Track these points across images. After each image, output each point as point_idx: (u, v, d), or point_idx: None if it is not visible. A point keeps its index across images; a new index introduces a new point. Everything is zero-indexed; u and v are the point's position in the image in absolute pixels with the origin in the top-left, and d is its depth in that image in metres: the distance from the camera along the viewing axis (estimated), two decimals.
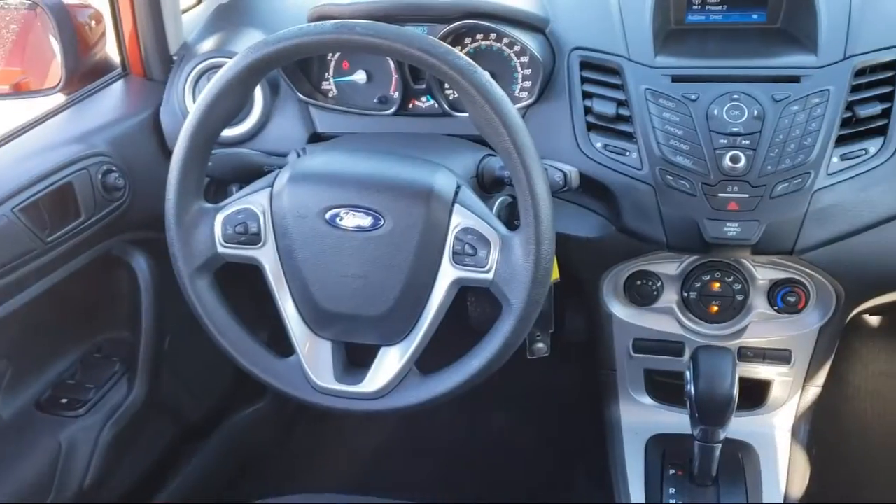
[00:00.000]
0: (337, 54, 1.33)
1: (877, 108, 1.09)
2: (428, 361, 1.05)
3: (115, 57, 1.46)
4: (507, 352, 0.99)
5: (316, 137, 1.32)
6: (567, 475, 1.81)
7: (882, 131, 1.09)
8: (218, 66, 1.32)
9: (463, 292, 1.03)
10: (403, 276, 0.99)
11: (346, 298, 1.01)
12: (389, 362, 1.03)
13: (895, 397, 2.04)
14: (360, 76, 1.31)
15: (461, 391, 1.01)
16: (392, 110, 1.29)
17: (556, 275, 1.21)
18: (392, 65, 1.30)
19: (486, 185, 1.13)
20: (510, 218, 1.16)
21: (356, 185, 0.99)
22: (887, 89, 1.10)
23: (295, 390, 1.06)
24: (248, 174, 1.15)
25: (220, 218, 1.04)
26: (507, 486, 1.83)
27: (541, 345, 1.37)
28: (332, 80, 1.34)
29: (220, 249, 1.04)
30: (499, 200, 1.15)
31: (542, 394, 1.97)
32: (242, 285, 1.17)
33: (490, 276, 0.97)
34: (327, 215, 0.99)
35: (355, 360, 1.08)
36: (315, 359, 1.05)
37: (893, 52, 1.10)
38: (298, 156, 1.15)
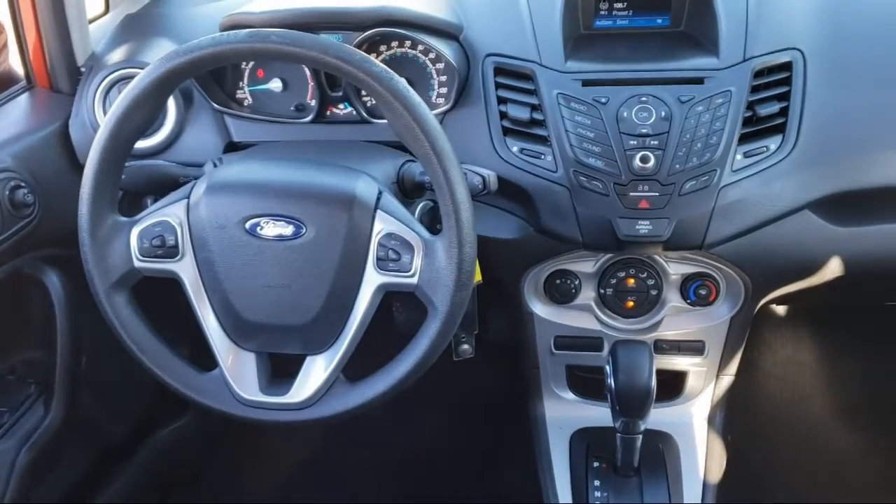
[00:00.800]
0: (251, 63, 1.32)
1: (775, 108, 1.14)
2: (355, 368, 1.05)
3: (18, 69, 1.41)
4: (434, 354, 1.00)
5: (232, 147, 1.31)
6: (495, 473, 1.83)
7: (780, 129, 1.14)
8: (129, 77, 1.29)
9: (388, 298, 1.04)
10: (327, 284, 0.99)
11: (269, 309, 1.01)
12: (316, 371, 1.03)
13: (802, 382, 2.13)
14: (275, 84, 1.30)
15: (389, 396, 1.02)
16: (309, 118, 1.29)
17: (478, 277, 1.23)
18: (308, 73, 1.29)
19: (408, 191, 1.14)
20: (432, 222, 1.18)
21: (275, 194, 0.99)
22: (784, 89, 1.15)
23: (219, 404, 1.05)
24: (164, 186, 1.13)
25: (135, 231, 1.02)
26: (437, 488, 1.84)
27: (466, 346, 1.39)
28: (246, 89, 1.33)
29: (137, 264, 1.02)
30: (420, 205, 1.16)
31: (469, 394, 1.99)
32: (161, 299, 1.15)
33: (414, 280, 0.98)
34: (247, 225, 0.98)
35: (281, 370, 1.07)
36: (239, 371, 1.04)
37: (788, 54, 1.16)
38: (215, 166, 1.13)
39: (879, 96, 1.15)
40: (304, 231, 0.98)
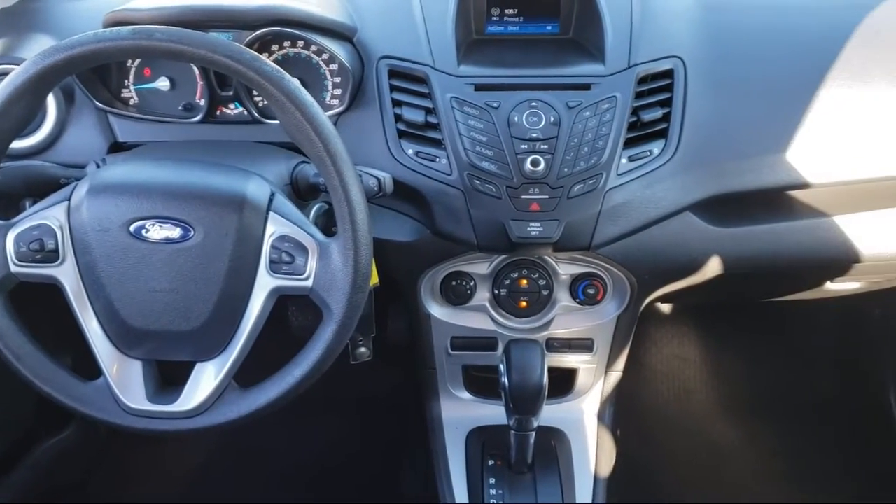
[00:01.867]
0: (137, 61, 1.27)
1: (658, 113, 1.19)
2: (249, 374, 1.03)
3: None
4: (330, 358, 0.99)
5: (117, 147, 1.26)
6: (394, 474, 1.83)
7: (663, 134, 1.19)
8: (3, 74, 1.22)
9: (283, 302, 1.02)
10: (217, 288, 0.97)
11: (156, 314, 0.98)
12: (206, 378, 1.00)
13: (686, 377, 2.23)
14: (162, 83, 1.26)
15: (284, 402, 1.00)
16: (198, 118, 1.26)
17: (375, 279, 1.23)
18: (197, 71, 1.26)
19: (302, 193, 1.13)
20: (327, 225, 1.17)
21: (162, 195, 0.96)
22: (666, 95, 1.20)
23: (104, 414, 1.01)
24: (43, 188, 1.08)
25: (11, 235, 0.97)
26: (335, 492, 1.83)
27: (363, 349, 1.38)
28: (132, 88, 1.28)
29: (14, 269, 0.97)
30: (315, 207, 1.15)
31: (367, 397, 1.98)
32: (41, 306, 1.10)
33: (309, 283, 0.98)
34: (131, 228, 0.95)
35: (169, 378, 1.04)
36: (125, 379, 1.01)
37: (670, 62, 1.21)
38: (98, 166, 1.09)
39: (754, 104, 1.22)
40: (192, 234, 0.95)
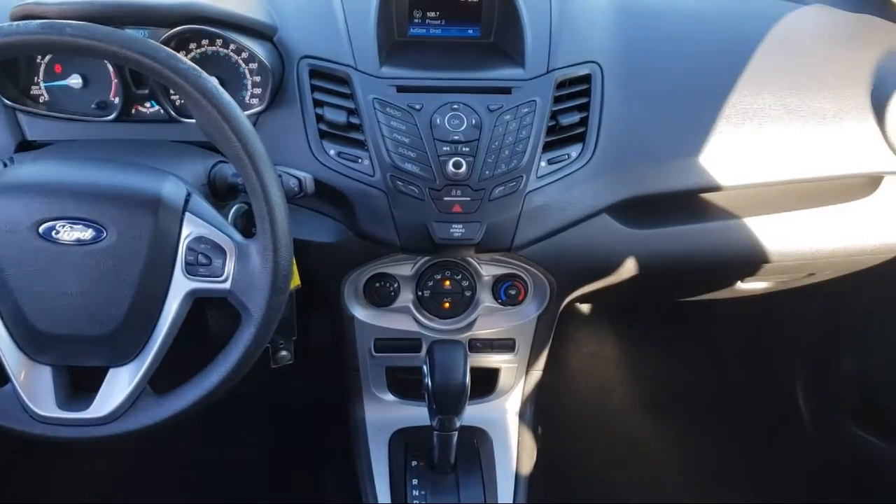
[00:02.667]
0: (48, 56, 1.23)
1: (576, 117, 1.21)
2: (166, 379, 1.01)
3: None
4: (248, 362, 0.98)
5: (26, 146, 1.21)
6: (317, 477, 1.82)
7: (581, 138, 1.22)
8: None
9: (202, 305, 1.00)
10: (131, 291, 0.94)
11: (67, 319, 0.94)
12: (119, 384, 0.98)
13: (605, 375, 2.28)
14: (74, 80, 1.22)
15: (201, 407, 0.98)
16: (112, 116, 1.22)
17: (296, 281, 1.22)
18: (111, 68, 1.22)
19: (220, 193, 1.11)
20: (247, 226, 1.15)
21: (73, 196, 0.93)
22: (584, 100, 1.22)
23: (10, 422, 0.97)
24: None
25: None
26: (257, 496, 1.80)
27: (284, 353, 1.37)
28: (42, 85, 1.23)
29: None
30: (234, 208, 1.14)
31: (290, 400, 1.96)
32: None
33: (227, 285, 0.96)
34: (41, 229, 0.91)
35: (82, 384, 1.01)
36: (33, 386, 0.97)
37: (587, 67, 1.23)
38: (5, 165, 1.05)
39: (667, 110, 1.25)
40: (105, 235, 0.92)
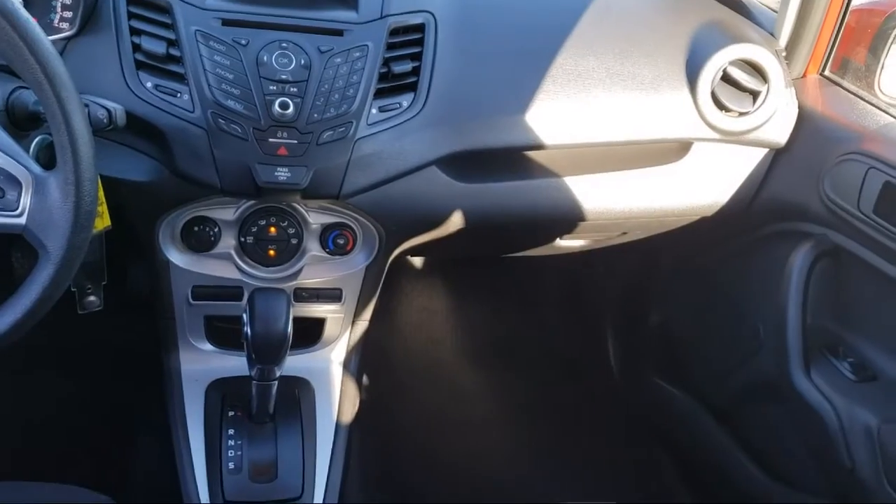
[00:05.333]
0: None
1: (408, 66, 1.20)
2: None
3: None
4: (45, 305, 0.91)
5: None
6: (127, 429, 1.73)
7: (413, 87, 1.21)
8: None
9: (8, 248, 0.91)
10: None
11: None
12: None
13: (434, 328, 2.33)
14: None
15: None
16: None
17: (107, 222, 1.14)
18: None
19: (20, 122, 1.02)
20: (50, 159, 1.05)
21: None
22: (417, 49, 1.21)
23: None
24: None
25: None
26: (66, 448, 1.69)
27: (92, 298, 1.28)
28: None
29: None
30: (37, 140, 1.04)
31: (99, 349, 1.85)
32: None
33: (22, 220, 0.88)
34: None
35: None
36: None
37: (422, 16, 1.22)
38: None
39: (497, 67, 1.27)
40: None
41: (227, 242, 1.29)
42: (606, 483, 1.89)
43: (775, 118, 1.34)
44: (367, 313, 1.46)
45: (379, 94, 1.18)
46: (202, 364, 1.38)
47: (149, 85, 1.11)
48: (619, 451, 1.99)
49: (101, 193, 1.11)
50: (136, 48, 1.12)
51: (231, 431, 1.28)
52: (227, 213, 1.26)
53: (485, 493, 1.82)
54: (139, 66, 1.12)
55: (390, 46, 1.19)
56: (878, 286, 1.28)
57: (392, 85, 1.19)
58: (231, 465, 1.26)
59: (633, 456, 1.98)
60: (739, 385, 1.62)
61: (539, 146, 1.27)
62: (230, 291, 1.33)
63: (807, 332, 1.36)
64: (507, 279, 2.36)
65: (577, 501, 1.26)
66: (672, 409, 1.88)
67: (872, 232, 1.23)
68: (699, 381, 1.80)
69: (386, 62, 1.18)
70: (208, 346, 1.40)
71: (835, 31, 1.39)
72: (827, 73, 1.44)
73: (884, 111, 1.31)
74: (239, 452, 1.26)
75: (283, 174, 1.13)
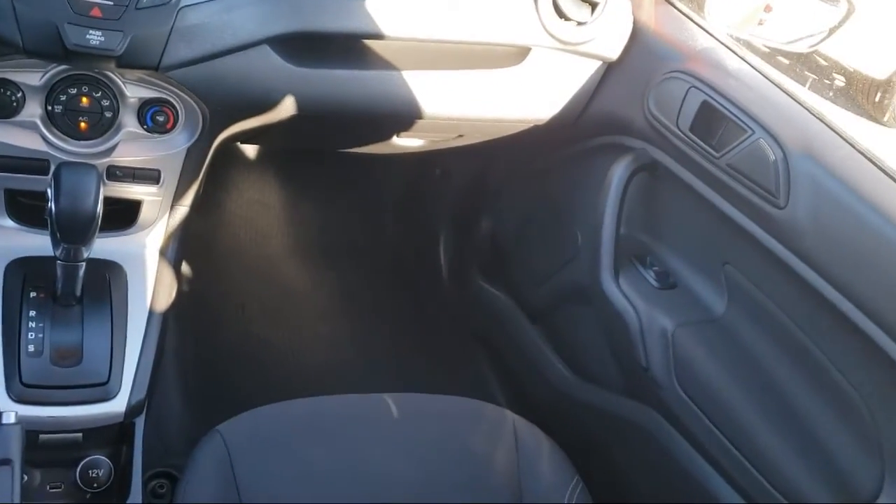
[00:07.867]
0: None
1: None
2: None
3: None
4: None
5: None
6: None
7: None
8: None
9: None
10: None
11: None
12: None
13: (265, 222, 2.28)
14: None
15: None
16: None
17: None
18: None
19: None
20: None
21: None
22: None
23: None
24: None
25: None
26: None
27: None
28: None
29: None
30: None
31: None
32: None
33: None
34: None
35: None
36: None
37: None
38: None
39: None
40: None
41: (33, 110, 1.17)
42: (420, 373, 1.97)
43: (610, 31, 1.37)
44: (188, 199, 1.39)
45: None
46: (2, 241, 1.28)
47: None
48: (438, 346, 2.07)
49: None
50: None
51: (32, 313, 1.20)
52: (33, 77, 1.15)
53: (297, 382, 1.83)
54: None
55: None
56: (687, 201, 1.36)
57: None
58: (31, 348, 1.18)
59: (450, 351, 2.06)
60: (556, 289, 1.71)
61: (377, 35, 1.24)
62: (35, 164, 1.22)
63: (619, 241, 1.44)
64: (344, 176, 2.34)
65: (391, 392, 1.30)
66: (492, 310, 1.96)
67: (687, 149, 1.30)
68: (520, 283, 1.87)
69: None
70: (9, 223, 1.29)
71: None
72: None
73: (709, 33, 1.37)
74: (41, 335, 1.19)
75: (95, 38, 1.04)
